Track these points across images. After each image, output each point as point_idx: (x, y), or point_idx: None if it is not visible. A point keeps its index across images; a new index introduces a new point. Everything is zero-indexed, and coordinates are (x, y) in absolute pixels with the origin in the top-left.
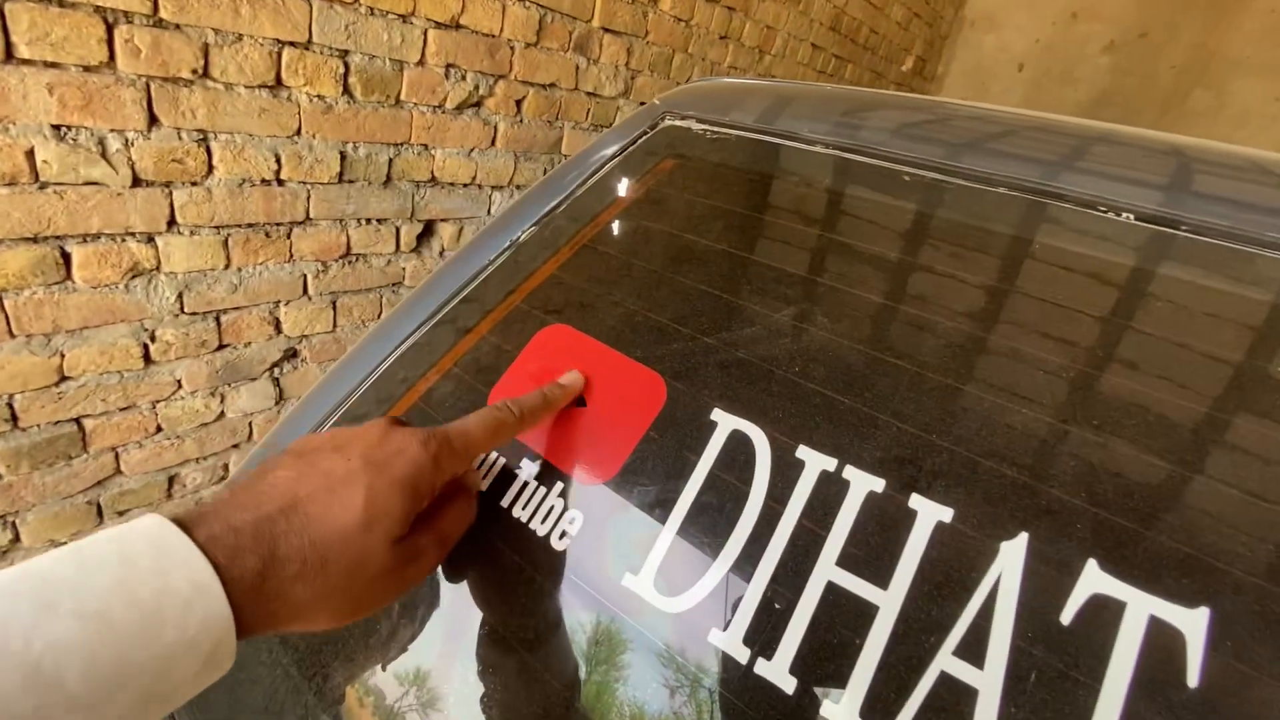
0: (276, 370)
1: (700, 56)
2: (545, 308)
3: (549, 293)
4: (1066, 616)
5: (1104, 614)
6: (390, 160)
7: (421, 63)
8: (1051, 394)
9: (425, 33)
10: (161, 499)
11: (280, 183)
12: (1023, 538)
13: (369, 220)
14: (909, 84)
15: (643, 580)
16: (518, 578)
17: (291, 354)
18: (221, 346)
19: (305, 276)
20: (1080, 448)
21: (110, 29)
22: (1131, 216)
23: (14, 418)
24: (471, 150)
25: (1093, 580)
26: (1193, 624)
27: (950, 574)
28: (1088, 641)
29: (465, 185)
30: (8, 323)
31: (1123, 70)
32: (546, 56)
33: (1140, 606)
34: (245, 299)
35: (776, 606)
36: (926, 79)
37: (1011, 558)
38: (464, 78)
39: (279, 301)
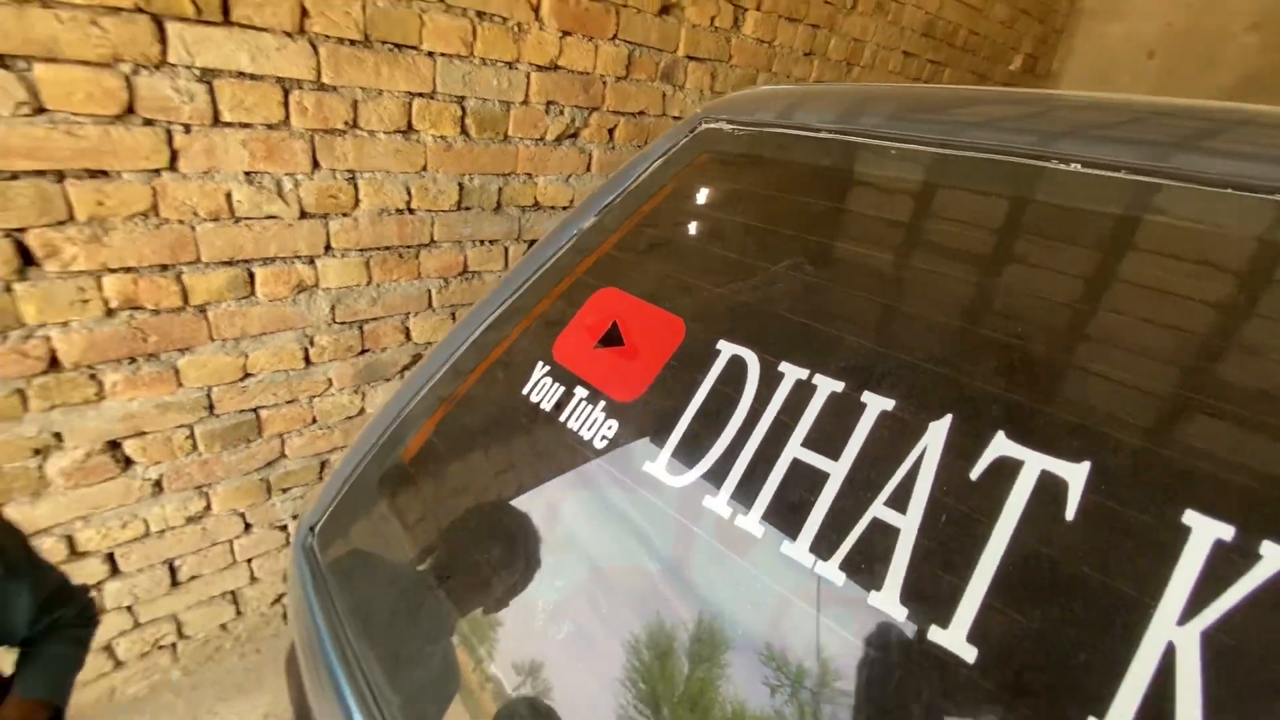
0: (406, 373)
1: (785, 74)
2: (600, 278)
3: (603, 266)
4: (976, 474)
5: (1005, 471)
6: (500, 189)
7: (525, 102)
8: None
9: (528, 75)
10: (314, 480)
11: (411, 211)
12: (947, 418)
13: (483, 241)
14: (1018, 84)
15: (658, 465)
16: (572, 468)
17: (418, 358)
18: (363, 351)
19: (430, 291)
20: (998, 348)
21: (286, 94)
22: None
23: (211, 406)
24: (569, 176)
25: (1000, 446)
26: (1075, 475)
27: (888, 448)
28: (992, 491)
29: (565, 208)
30: (209, 329)
31: (1274, 48)
32: (635, 87)
33: (1035, 464)
34: (382, 310)
35: (755, 478)
36: (1039, 76)
37: (937, 433)
38: (562, 112)
39: (409, 313)
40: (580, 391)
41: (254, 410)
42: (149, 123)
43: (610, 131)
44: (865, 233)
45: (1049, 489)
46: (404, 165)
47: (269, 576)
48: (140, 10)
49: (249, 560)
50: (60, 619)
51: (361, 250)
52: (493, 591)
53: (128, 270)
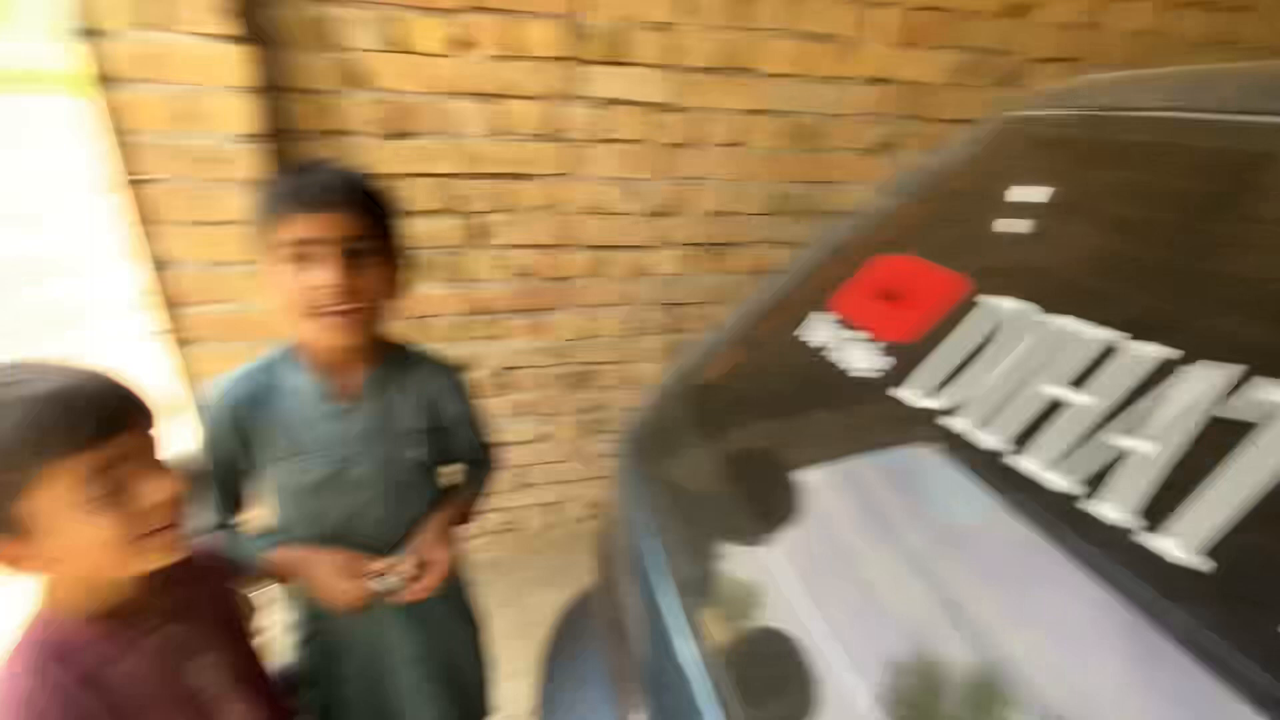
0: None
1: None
2: (891, 246)
3: (895, 237)
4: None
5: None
6: (813, 196)
7: (850, 114)
8: None
9: (856, 89)
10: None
11: (734, 214)
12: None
13: (789, 244)
14: None
15: (918, 393)
16: (843, 400)
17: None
18: (679, 331)
19: (736, 284)
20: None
21: (651, 119)
22: None
23: (567, 356)
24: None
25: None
26: None
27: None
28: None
29: None
30: (572, 296)
31: None
32: (968, 94)
33: None
34: (698, 297)
35: (1008, 409)
36: None
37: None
38: (887, 121)
39: (712, 303)
40: (856, 334)
41: (591, 365)
42: (556, 139)
43: (935, 140)
44: (1147, 195)
45: None
46: (734, 173)
47: (581, 496)
48: (566, 58)
49: (570, 482)
50: (485, 453)
51: (689, 245)
52: (778, 494)
53: (526, 248)
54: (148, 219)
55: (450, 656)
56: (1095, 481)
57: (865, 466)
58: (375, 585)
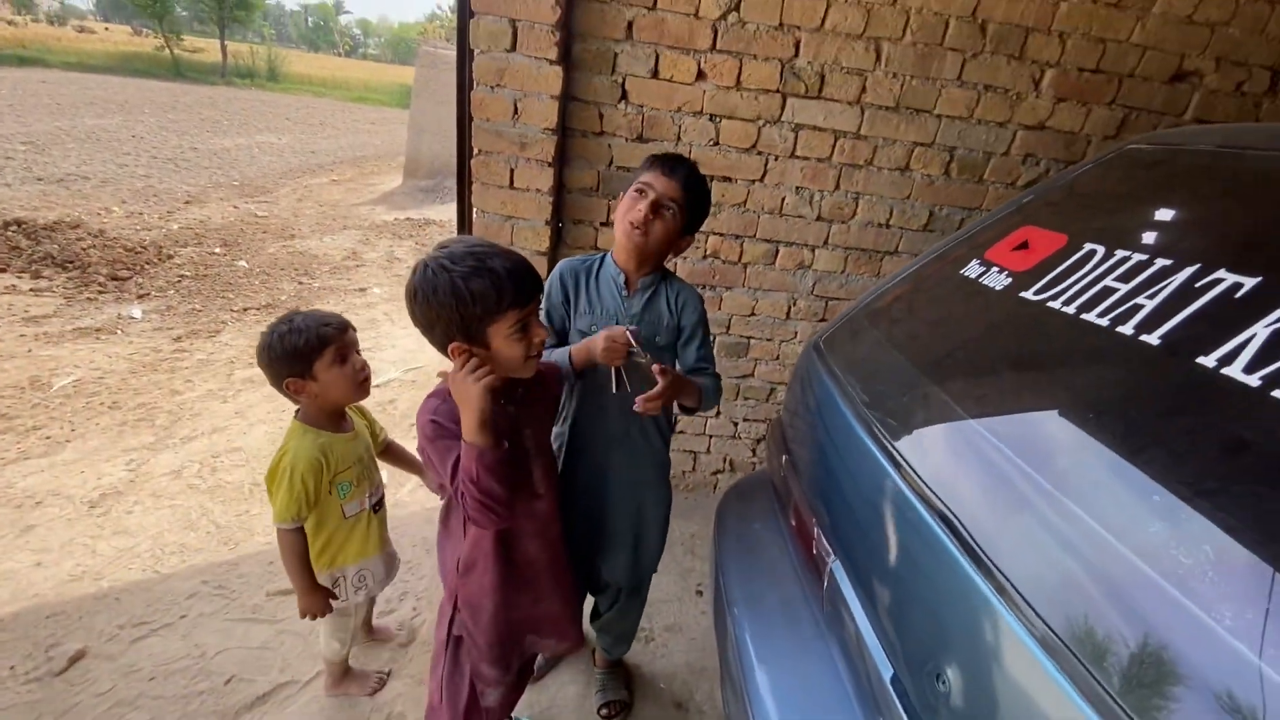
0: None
1: None
2: (1022, 220)
3: (1026, 215)
4: None
5: None
6: (962, 219)
7: (1006, 154)
8: None
9: (1015, 133)
10: (762, 401)
11: (888, 226)
12: None
13: None
14: None
15: (1034, 292)
16: (989, 304)
17: None
18: (823, 319)
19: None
20: None
21: (836, 140)
22: None
23: (728, 328)
24: None
25: None
26: None
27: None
28: None
29: None
30: (745, 279)
31: None
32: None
33: None
34: (845, 294)
35: (1095, 297)
36: None
37: None
38: (1038, 164)
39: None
40: (994, 269)
41: (747, 338)
42: (759, 153)
43: None
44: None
45: None
46: (895, 193)
47: (720, 451)
48: (778, 91)
49: (715, 437)
50: (707, 364)
51: (845, 248)
52: (952, 366)
53: (720, 235)
54: (475, 181)
55: (643, 503)
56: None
57: (1001, 337)
58: (636, 352)
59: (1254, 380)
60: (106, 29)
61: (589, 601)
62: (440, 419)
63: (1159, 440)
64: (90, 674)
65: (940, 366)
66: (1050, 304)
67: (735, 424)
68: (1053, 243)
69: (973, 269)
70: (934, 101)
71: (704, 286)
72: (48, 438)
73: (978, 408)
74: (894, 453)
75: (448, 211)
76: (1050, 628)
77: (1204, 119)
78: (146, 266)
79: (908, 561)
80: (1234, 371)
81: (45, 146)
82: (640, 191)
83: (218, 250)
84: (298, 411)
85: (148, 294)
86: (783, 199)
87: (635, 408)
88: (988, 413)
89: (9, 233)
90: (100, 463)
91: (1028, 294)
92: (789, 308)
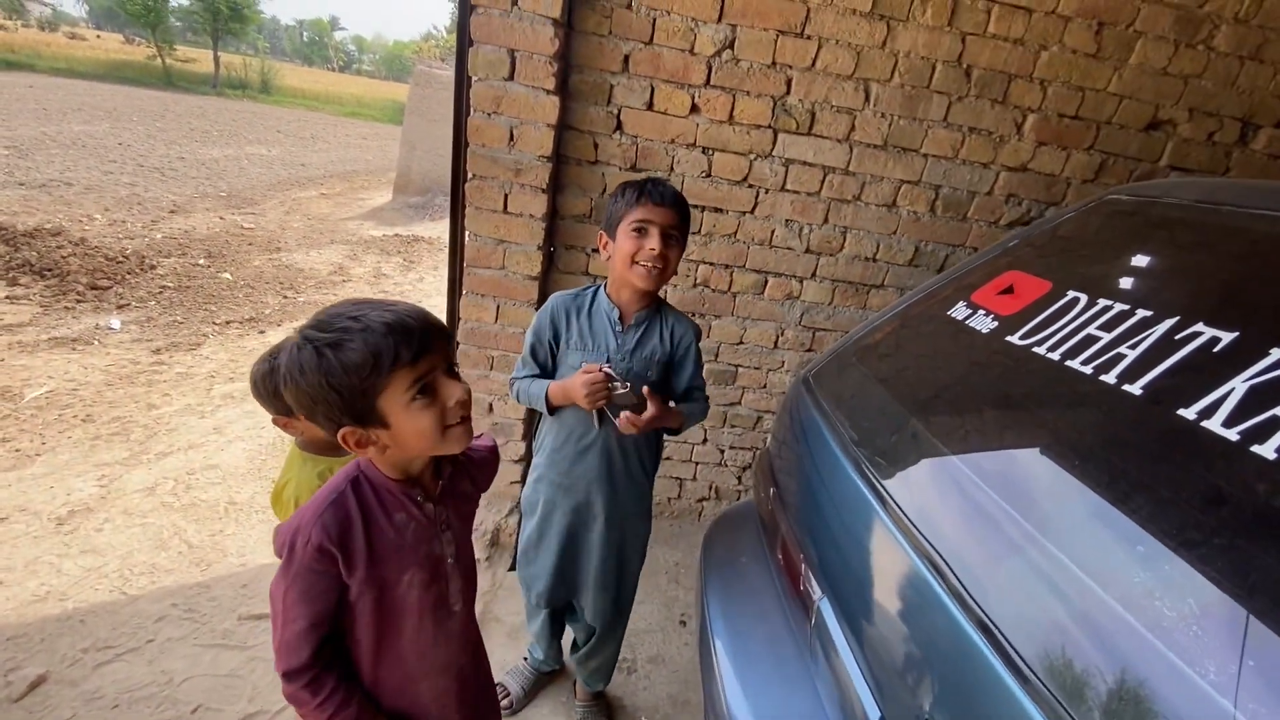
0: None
1: None
2: (1007, 265)
3: (1009, 260)
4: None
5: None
6: (947, 255)
7: (990, 193)
8: None
9: (998, 174)
10: (749, 429)
11: (874, 260)
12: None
13: None
14: None
15: (1018, 337)
16: (972, 345)
17: None
18: (809, 350)
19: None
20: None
21: (825, 175)
22: None
23: (717, 355)
24: None
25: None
26: None
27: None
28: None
29: None
30: (734, 308)
31: None
32: (1102, 190)
33: None
34: (831, 325)
35: (1077, 344)
36: None
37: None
38: (1020, 204)
39: (848, 333)
40: (980, 311)
41: (735, 366)
42: (750, 186)
43: None
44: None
45: None
46: (882, 228)
47: (706, 479)
48: (769, 127)
49: (701, 464)
50: (698, 392)
51: (833, 280)
52: (934, 404)
53: (710, 264)
54: (469, 204)
55: (624, 537)
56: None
57: (988, 380)
58: (615, 387)
59: (1233, 435)
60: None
61: (567, 634)
62: (304, 546)
63: (1141, 489)
64: (50, 700)
65: (928, 406)
66: (1035, 349)
67: (722, 451)
68: (1037, 289)
69: (960, 310)
70: (920, 141)
71: (694, 314)
72: (16, 450)
73: (964, 449)
74: (881, 491)
75: (437, 228)
76: (1033, 671)
77: (1178, 166)
78: (128, 276)
79: (895, 602)
80: (1214, 425)
81: (29, 151)
82: (640, 230)
83: (201, 261)
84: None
85: (128, 304)
86: (772, 231)
87: (619, 424)
88: (974, 454)
89: None
90: (70, 478)
91: (1013, 338)
92: (777, 337)
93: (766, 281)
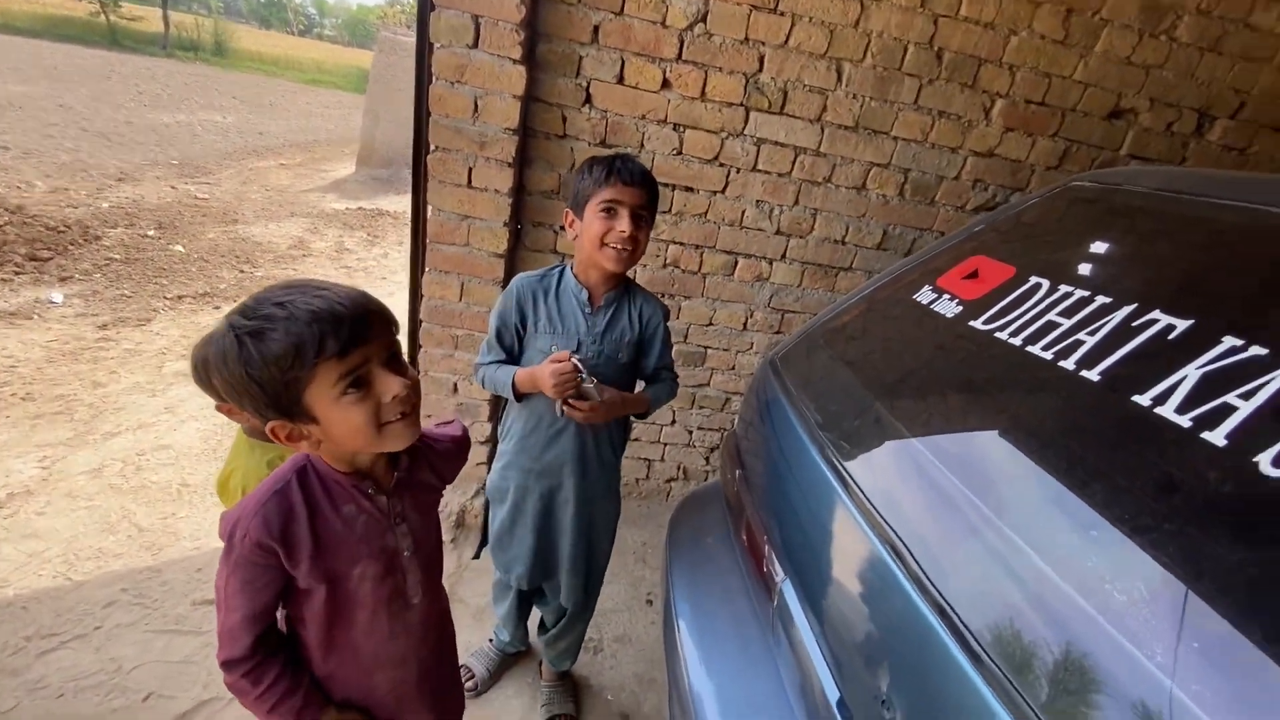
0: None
1: None
2: (972, 250)
3: (974, 245)
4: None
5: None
6: (914, 239)
7: (957, 178)
8: None
9: (965, 159)
10: (717, 410)
11: (843, 243)
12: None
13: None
14: None
15: (981, 321)
16: (936, 327)
17: None
18: (778, 332)
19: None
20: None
21: (796, 156)
22: None
23: (686, 336)
24: None
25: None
26: None
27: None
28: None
29: None
30: (704, 289)
31: None
32: (1065, 177)
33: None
34: (800, 307)
35: (1034, 325)
36: None
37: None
38: (986, 189)
39: (816, 314)
40: (945, 296)
41: (704, 348)
42: (721, 165)
43: None
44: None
45: None
46: (851, 210)
47: (674, 459)
48: (741, 105)
49: (669, 444)
50: (667, 372)
51: (803, 262)
52: (898, 386)
53: (680, 244)
54: (431, 177)
55: (594, 519)
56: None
57: (951, 365)
58: (583, 378)
59: (1185, 421)
60: None
61: (534, 615)
62: (243, 540)
63: (1097, 474)
64: None
65: (891, 390)
66: (998, 334)
67: (690, 432)
68: (1001, 274)
69: (925, 294)
70: (891, 123)
71: (663, 295)
72: None
73: (926, 432)
74: (844, 473)
75: (402, 202)
76: (986, 652)
77: (1137, 155)
78: (70, 247)
79: (856, 584)
80: (1166, 411)
81: None
82: (609, 210)
83: (151, 233)
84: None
85: (70, 277)
86: (743, 211)
87: (573, 415)
88: (935, 438)
89: None
90: (9, 459)
91: (976, 323)
92: (746, 319)
93: (737, 263)
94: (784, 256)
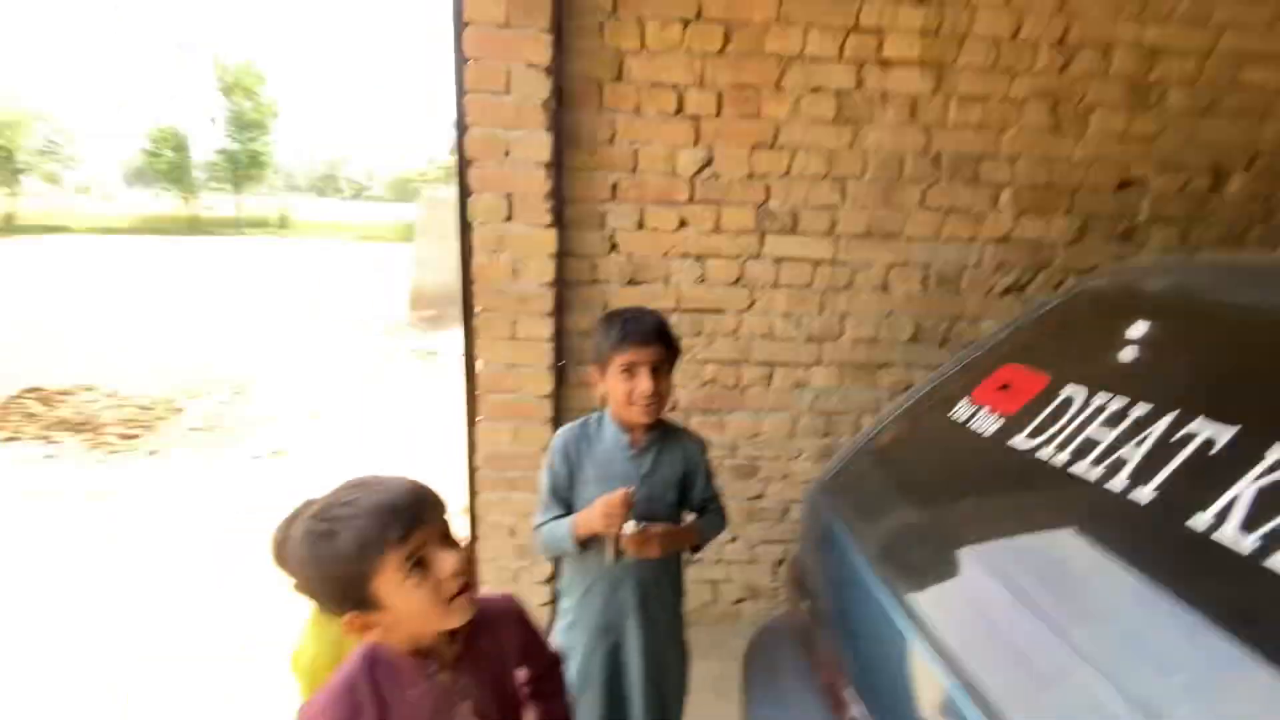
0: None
1: None
2: (1003, 358)
3: (1004, 352)
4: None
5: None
6: (947, 328)
7: (978, 265)
8: None
9: (983, 247)
10: (776, 521)
11: (876, 341)
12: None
13: (927, 366)
14: None
15: (1024, 439)
16: (977, 450)
17: None
18: (826, 434)
19: (879, 399)
20: None
21: (814, 268)
22: None
23: (734, 449)
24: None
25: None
26: None
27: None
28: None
29: None
30: (744, 401)
31: None
32: (1087, 248)
33: None
34: (844, 407)
35: (1083, 448)
36: None
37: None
38: (1009, 272)
39: (862, 412)
40: (983, 410)
41: (754, 459)
42: (744, 286)
43: (1057, 285)
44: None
45: None
46: (878, 309)
47: (739, 579)
48: (756, 230)
49: (732, 563)
50: (714, 503)
51: (839, 364)
52: (945, 510)
53: (717, 363)
54: (479, 335)
55: (664, 670)
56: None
57: (997, 490)
58: (626, 525)
59: (1247, 546)
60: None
61: None
62: None
63: (1170, 613)
64: None
65: (942, 518)
66: (1039, 454)
67: (752, 547)
68: (1035, 384)
69: (962, 410)
70: (902, 225)
71: (705, 412)
72: None
73: (985, 566)
74: (907, 606)
75: (451, 338)
76: None
77: (1160, 216)
78: (157, 422)
79: None
80: (1224, 536)
81: (65, 312)
82: (628, 370)
83: (227, 398)
84: None
85: (157, 451)
86: (771, 324)
87: (627, 544)
88: (994, 572)
89: (23, 399)
90: None
91: (1016, 441)
92: (792, 426)
93: (773, 373)
94: (819, 361)
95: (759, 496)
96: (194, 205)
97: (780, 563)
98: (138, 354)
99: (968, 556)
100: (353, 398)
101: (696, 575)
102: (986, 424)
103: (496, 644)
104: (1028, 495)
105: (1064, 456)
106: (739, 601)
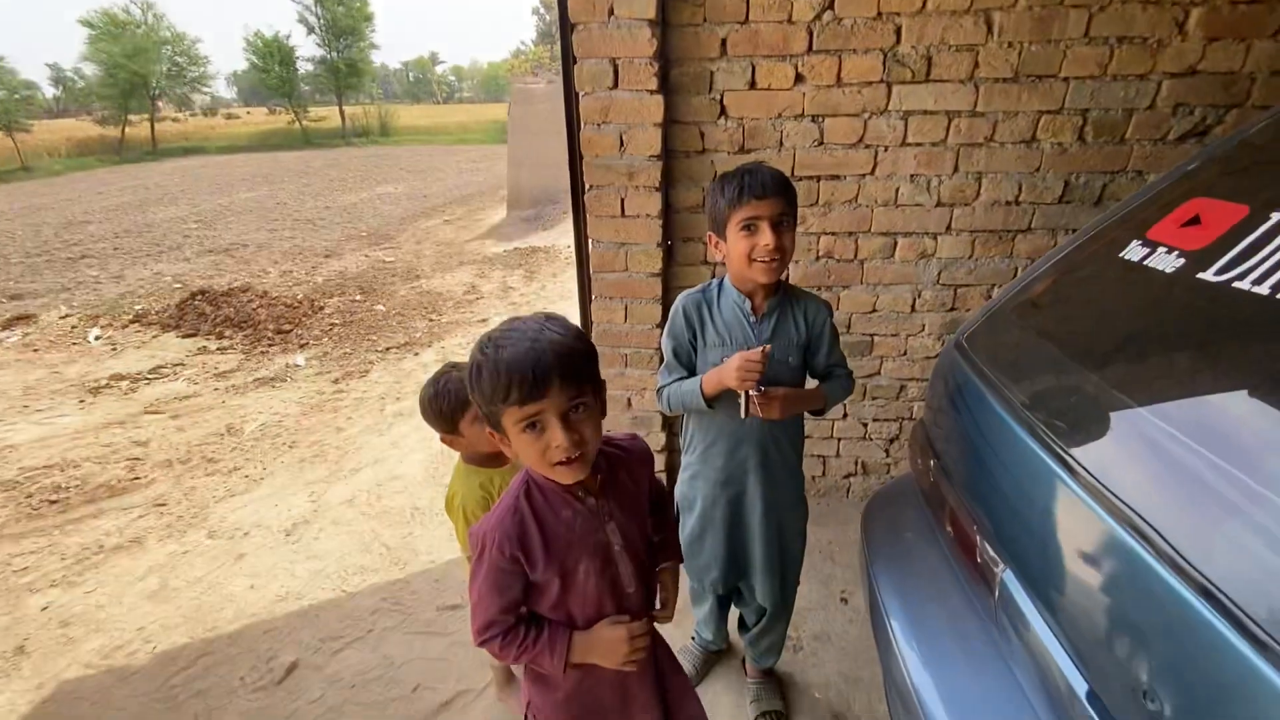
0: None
1: None
2: (1187, 194)
3: (1187, 188)
4: None
5: None
6: (1104, 185)
7: (1151, 107)
8: None
9: (1160, 84)
10: (892, 400)
11: (1017, 204)
12: None
13: (1074, 230)
14: None
15: (1213, 272)
16: (1153, 288)
17: None
18: (951, 309)
19: (1016, 269)
20: None
21: (949, 121)
22: None
23: (849, 327)
24: None
25: None
26: None
27: None
28: None
29: None
30: (863, 275)
31: None
32: None
33: None
34: (974, 280)
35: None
36: None
37: None
38: (1192, 112)
39: (995, 285)
40: (1161, 249)
41: (870, 336)
42: (867, 146)
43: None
44: None
45: None
46: (1022, 167)
47: (850, 454)
48: (882, 81)
49: (844, 439)
50: (840, 368)
51: (971, 231)
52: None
53: (832, 234)
54: (589, 214)
55: (783, 522)
56: None
57: (1179, 325)
58: (751, 389)
59: None
60: (248, 113)
61: (734, 613)
62: (493, 548)
63: None
64: (303, 683)
65: (1107, 360)
66: (1236, 284)
67: (865, 425)
68: (1231, 215)
69: (1134, 250)
70: (1059, 64)
71: (820, 288)
72: (246, 476)
73: (1158, 402)
74: (1064, 455)
75: (551, 237)
76: (1272, 636)
77: None
78: (303, 319)
79: (1092, 571)
80: None
81: (211, 222)
82: (749, 227)
83: (358, 297)
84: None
85: (307, 343)
86: (896, 189)
87: (755, 407)
88: (1171, 407)
89: (196, 301)
90: (288, 496)
91: (1207, 275)
92: (914, 300)
93: (896, 243)
94: (949, 229)
95: (874, 374)
96: (304, 118)
97: (893, 440)
98: (277, 256)
99: (1138, 395)
100: (462, 298)
101: (808, 449)
102: (1167, 261)
103: (633, 478)
104: (1219, 328)
105: (1268, 285)
106: (849, 476)
